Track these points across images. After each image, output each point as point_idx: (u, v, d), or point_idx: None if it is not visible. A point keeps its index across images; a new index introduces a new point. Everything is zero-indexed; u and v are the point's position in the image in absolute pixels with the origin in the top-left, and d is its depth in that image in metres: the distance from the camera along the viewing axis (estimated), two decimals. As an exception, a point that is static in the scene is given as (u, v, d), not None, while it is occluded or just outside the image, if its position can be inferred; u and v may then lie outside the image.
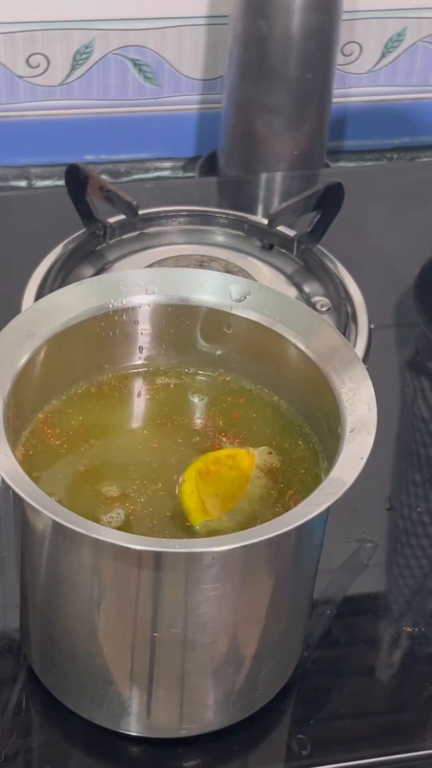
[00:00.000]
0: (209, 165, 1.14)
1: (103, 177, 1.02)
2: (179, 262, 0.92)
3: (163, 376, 0.67)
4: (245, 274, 0.91)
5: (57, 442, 0.63)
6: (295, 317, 0.64)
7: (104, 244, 0.95)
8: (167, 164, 1.17)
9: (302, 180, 1.07)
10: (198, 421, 0.66)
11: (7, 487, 0.54)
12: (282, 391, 0.66)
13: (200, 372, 0.67)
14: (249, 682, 0.63)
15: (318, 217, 0.94)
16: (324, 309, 0.90)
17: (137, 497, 0.61)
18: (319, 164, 1.11)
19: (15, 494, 0.54)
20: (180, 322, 0.66)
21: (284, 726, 0.66)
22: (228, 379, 0.67)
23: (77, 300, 0.64)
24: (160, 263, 0.92)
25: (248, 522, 0.59)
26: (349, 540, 0.75)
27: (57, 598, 0.60)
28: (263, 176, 1.09)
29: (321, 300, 0.92)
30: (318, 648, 0.69)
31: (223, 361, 0.67)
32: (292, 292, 0.92)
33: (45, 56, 1.09)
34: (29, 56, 1.08)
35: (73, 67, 1.10)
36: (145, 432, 0.65)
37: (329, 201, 0.93)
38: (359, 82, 1.16)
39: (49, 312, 0.63)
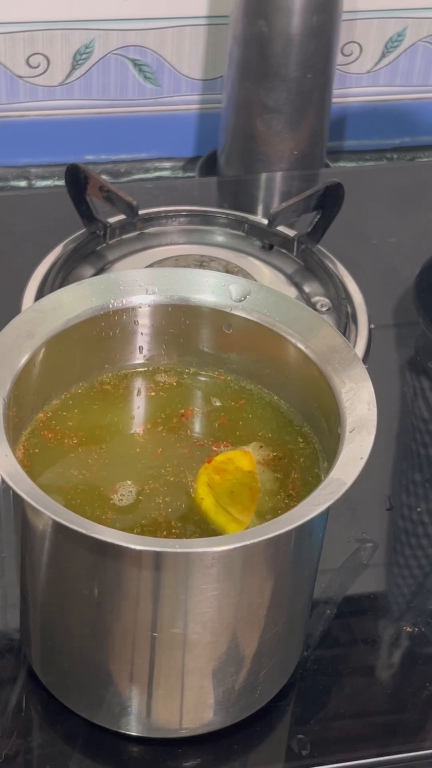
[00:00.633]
0: (209, 165, 1.14)
1: (103, 177, 1.02)
2: (179, 262, 0.92)
3: (163, 376, 0.67)
4: (245, 274, 0.91)
5: (57, 442, 0.63)
6: (295, 317, 0.64)
7: (104, 244, 0.95)
8: (167, 164, 1.17)
9: (302, 180, 1.07)
10: (198, 421, 0.66)
11: (7, 487, 0.54)
12: (282, 391, 0.66)
13: (200, 372, 0.68)
14: (249, 682, 0.63)
15: (318, 217, 0.94)
16: (324, 309, 0.90)
17: (138, 496, 0.61)
18: (319, 164, 1.11)
19: (15, 494, 0.54)
20: (180, 322, 0.66)
21: (284, 726, 0.66)
22: (228, 379, 0.67)
23: (77, 300, 0.64)
24: (160, 263, 0.92)
25: (276, 514, 0.60)
26: (349, 540, 0.75)
27: (57, 598, 0.60)
28: (263, 176, 1.09)
29: (321, 300, 0.92)
30: (318, 648, 0.69)
31: (223, 361, 0.67)
32: (292, 292, 0.92)
33: (45, 56, 1.09)
34: (29, 56, 1.08)
35: (73, 67, 1.10)
36: (145, 432, 0.65)
37: (329, 201, 0.93)
38: (359, 82, 1.16)
39: (49, 312, 0.63)
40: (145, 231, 0.97)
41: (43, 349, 0.62)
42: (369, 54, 1.14)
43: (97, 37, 1.08)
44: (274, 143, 1.08)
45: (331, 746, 0.65)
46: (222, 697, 0.63)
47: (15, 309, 0.87)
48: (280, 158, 1.08)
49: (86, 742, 0.64)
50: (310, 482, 0.62)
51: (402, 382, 0.88)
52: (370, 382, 0.60)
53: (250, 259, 0.95)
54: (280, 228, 0.95)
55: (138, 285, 0.65)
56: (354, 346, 0.87)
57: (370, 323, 0.90)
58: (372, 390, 0.59)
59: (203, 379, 0.67)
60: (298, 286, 0.93)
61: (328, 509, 0.55)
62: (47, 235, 0.96)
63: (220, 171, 1.12)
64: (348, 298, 0.91)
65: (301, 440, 0.64)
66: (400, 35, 1.13)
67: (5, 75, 1.09)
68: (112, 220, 0.95)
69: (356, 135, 1.19)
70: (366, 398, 0.59)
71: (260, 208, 1.05)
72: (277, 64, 1.03)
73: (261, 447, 0.64)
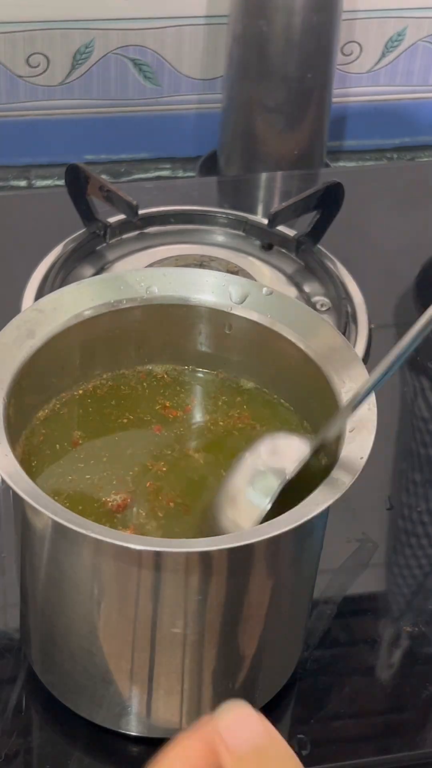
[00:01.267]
0: (209, 165, 1.14)
1: (103, 177, 1.02)
2: (179, 261, 0.92)
3: (163, 376, 0.67)
4: (245, 274, 0.91)
5: (57, 441, 0.63)
6: (295, 317, 0.64)
7: (104, 244, 0.95)
8: (167, 164, 1.17)
9: (302, 180, 1.07)
10: (198, 421, 0.66)
11: (7, 487, 0.54)
12: (282, 391, 0.66)
13: (200, 371, 0.67)
14: (249, 681, 0.63)
15: (318, 217, 0.94)
16: (324, 309, 0.90)
17: (139, 495, 0.61)
18: (319, 164, 1.11)
19: (15, 494, 0.54)
20: (180, 321, 0.66)
21: (284, 726, 0.66)
22: (228, 378, 0.67)
23: (78, 299, 0.64)
24: (160, 263, 0.92)
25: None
26: (349, 540, 0.75)
27: (57, 598, 0.60)
28: (263, 176, 1.09)
29: (321, 300, 0.92)
30: (318, 648, 0.69)
31: (223, 361, 0.67)
32: (292, 292, 0.92)
33: (45, 56, 1.09)
34: (29, 56, 1.08)
35: (73, 67, 1.10)
36: (145, 431, 0.65)
37: (329, 201, 0.93)
38: (359, 82, 1.16)
39: (50, 311, 0.63)
40: (145, 231, 0.97)
41: (44, 349, 0.62)
42: (369, 54, 1.14)
43: (97, 36, 1.09)
44: (274, 143, 1.08)
45: (331, 746, 0.65)
46: (222, 697, 0.62)
47: (15, 309, 0.87)
48: (280, 158, 1.08)
49: (86, 742, 0.64)
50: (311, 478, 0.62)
51: (402, 382, 0.88)
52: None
53: (250, 259, 0.95)
54: (280, 228, 0.95)
55: (139, 285, 0.65)
56: (354, 346, 0.87)
57: (370, 323, 0.90)
58: (374, 399, 0.59)
59: (203, 378, 0.67)
60: (298, 286, 0.93)
61: (328, 509, 0.55)
62: (47, 235, 0.95)
63: (220, 171, 1.12)
64: (348, 298, 0.91)
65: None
66: (400, 35, 1.13)
67: (5, 75, 1.09)
68: (112, 220, 0.95)
69: (356, 135, 1.19)
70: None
71: (260, 208, 1.05)
72: (277, 64, 1.03)
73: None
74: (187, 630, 0.58)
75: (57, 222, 0.97)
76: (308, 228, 0.95)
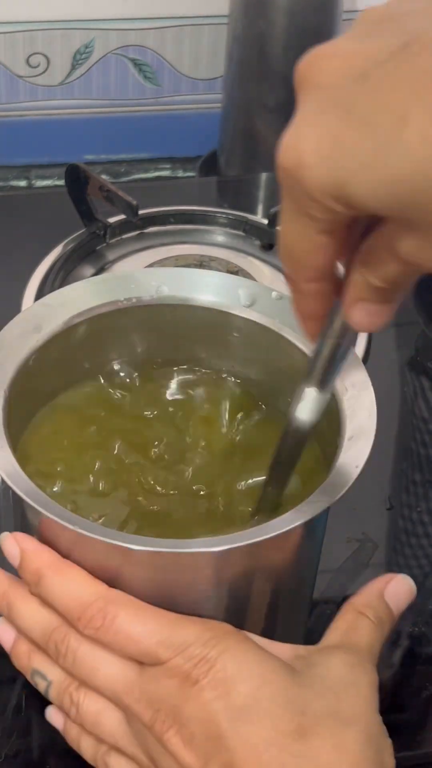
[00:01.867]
0: (209, 165, 1.14)
1: (103, 177, 1.02)
2: (179, 262, 0.92)
3: (169, 375, 0.67)
4: (245, 274, 0.91)
5: (60, 439, 0.63)
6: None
7: (104, 244, 0.95)
8: (167, 164, 1.17)
9: (302, 180, 1.07)
10: (202, 420, 0.66)
11: (7, 487, 0.54)
12: (283, 391, 0.66)
13: (205, 371, 0.67)
14: (249, 682, 0.63)
15: (318, 216, 0.94)
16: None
17: (143, 492, 0.61)
18: (319, 164, 1.11)
19: (14, 494, 0.54)
20: (188, 322, 0.66)
21: (284, 726, 0.66)
22: (232, 379, 0.67)
23: (86, 296, 0.64)
24: (160, 263, 0.92)
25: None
26: (349, 540, 0.75)
27: (57, 598, 0.60)
28: (263, 176, 1.09)
29: (321, 300, 0.92)
30: (318, 648, 0.69)
31: (230, 362, 0.67)
32: (292, 292, 0.92)
33: (45, 56, 1.09)
34: (29, 56, 1.08)
35: (73, 67, 1.10)
36: (150, 429, 0.65)
37: (329, 201, 0.93)
38: (359, 82, 1.16)
39: (57, 307, 0.63)
40: (145, 231, 0.97)
41: (49, 344, 0.62)
42: (369, 54, 1.14)
43: (97, 36, 1.09)
44: (274, 143, 1.07)
45: (331, 746, 0.65)
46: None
47: (15, 309, 0.87)
48: (280, 158, 1.08)
49: (86, 742, 0.64)
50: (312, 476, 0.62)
51: (402, 382, 0.88)
52: (372, 389, 0.60)
53: (250, 258, 0.95)
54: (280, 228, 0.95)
55: (149, 284, 0.65)
56: (354, 346, 0.87)
57: (370, 323, 0.90)
58: (373, 397, 0.59)
59: (208, 378, 0.67)
60: (298, 286, 0.93)
61: (328, 509, 0.55)
62: (47, 235, 0.95)
63: (220, 171, 1.12)
64: (348, 298, 0.91)
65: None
66: (400, 35, 1.13)
67: (5, 75, 1.09)
68: (112, 220, 0.95)
69: (356, 135, 1.19)
70: (367, 405, 0.59)
71: (260, 208, 1.05)
72: (277, 64, 1.03)
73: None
74: (187, 630, 0.58)
75: (57, 222, 0.97)
76: (308, 228, 0.94)
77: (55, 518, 0.52)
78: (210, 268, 0.90)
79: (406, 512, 0.78)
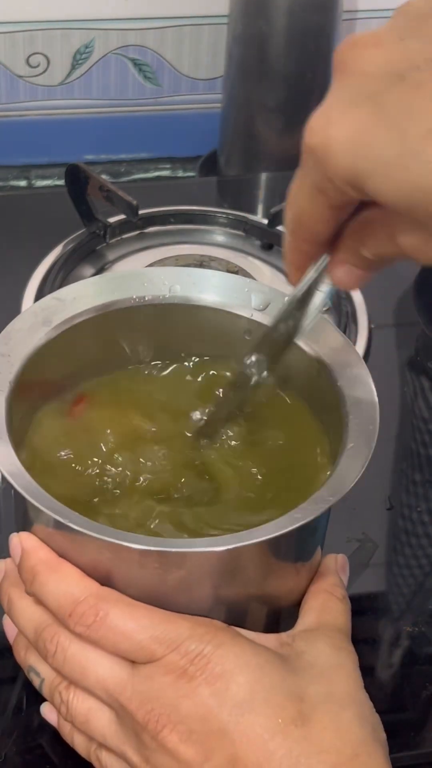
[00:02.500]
0: (209, 165, 1.14)
1: (103, 177, 1.02)
2: (179, 261, 0.92)
3: (177, 374, 0.67)
4: (245, 274, 0.91)
5: (65, 436, 0.63)
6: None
7: (104, 244, 0.95)
8: (167, 164, 1.17)
9: (302, 180, 1.07)
10: (209, 418, 0.66)
11: (8, 486, 0.54)
12: (284, 391, 0.66)
13: (213, 372, 0.67)
14: (249, 681, 0.63)
15: (318, 217, 0.94)
16: (324, 309, 0.90)
17: (148, 489, 0.61)
18: (319, 164, 1.11)
19: (16, 492, 0.54)
20: (199, 322, 0.65)
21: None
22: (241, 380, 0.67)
23: (99, 292, 0.64)
24: (161, 263, 0.92)
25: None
26: (350, 540, 0.75)
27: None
28: (263, 176, 1.09)
29: (321, 300, 0.92)
30: (318, 648, 0.69)
31: (237, 362, 0.67)
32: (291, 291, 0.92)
33: (45, 56, 1.09)
34: (29, 56, 1.08)
35: (73, 67, 1.10)
36: (157, 428, 0.65)
37: (329, 201, 0.93)
38: (359, 82, 1.16)
39: (69, 301, 0.62)
40: (145, 231, 0.97)
41: (58, 338, 0.61)
42: (369, 54, 1.14)
43: (97, 36, 1.09)
44: (274, 143, 1.08)
45: (332, 746, 0.65)
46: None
47: (15, 309, 0.87)
48: (280, 158, 1.08)
49: (86, 741, 0.64)
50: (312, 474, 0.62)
51: (402, 382, 0.88)
52: (373, 387, 0.60)
53: (250, 258, 0.95)
54: (280, 228, 0.95)
55: (163, 283, 0.65)
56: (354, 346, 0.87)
57: (370, 323, 0.90)
58: (375, 398, 0.59)
59: (216, 378, 0.67)
60: (298, 286, 0.93)
61: (329, 509, 0.55)
62: (47, 235, 0.96)
63: (220, 171, 1.12)
64: (348, 298, 0.91)
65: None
66: (400, 35, 1.13)
67: (5, 75, 1.09)
68: (112, 220, 0.95)
69: (356, 135, 1.19)
70: (369, 405, 0.59)
71: (260, 208, 1.05)
72: (277, 64, 1.03)
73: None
74: (188, 630, 0.58)
75: (57, 222, 0.97)
76: (308, 228, 0.95)
77: (57, 517, 0.52)
78: (210, 267, 0.90)
79: (406, 512, 0.78)
